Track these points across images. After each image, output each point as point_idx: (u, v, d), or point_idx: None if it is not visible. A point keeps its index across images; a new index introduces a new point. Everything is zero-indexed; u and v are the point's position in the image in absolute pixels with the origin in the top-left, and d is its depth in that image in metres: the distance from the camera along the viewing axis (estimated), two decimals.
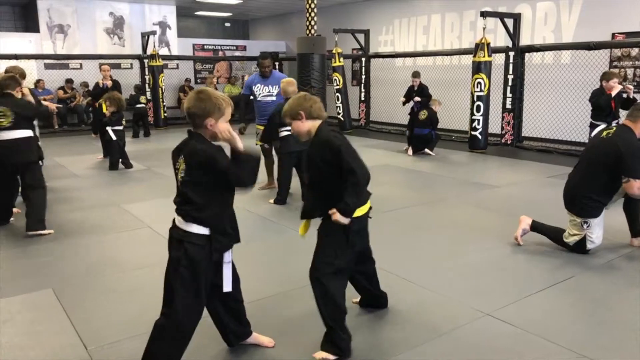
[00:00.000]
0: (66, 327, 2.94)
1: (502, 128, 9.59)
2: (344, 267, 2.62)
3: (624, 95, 6.06)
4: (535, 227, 4.20)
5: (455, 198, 5.88)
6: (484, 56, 8.72)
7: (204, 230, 2.25)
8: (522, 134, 9.61)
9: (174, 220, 2.35)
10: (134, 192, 6.25)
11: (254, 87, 6.04)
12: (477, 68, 8.79)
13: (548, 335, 2.81)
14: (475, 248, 4.22)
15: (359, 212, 2.63)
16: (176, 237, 2.29)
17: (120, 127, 7.48)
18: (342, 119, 11.82)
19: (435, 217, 5.15)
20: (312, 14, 6.46)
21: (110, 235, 4.64)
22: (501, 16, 8.93)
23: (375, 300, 3.11)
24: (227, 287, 2.41)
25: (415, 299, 3.28)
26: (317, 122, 2.63)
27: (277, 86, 5.87)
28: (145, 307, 3.15)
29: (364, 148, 9.79)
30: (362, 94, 12.61)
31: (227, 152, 2.25)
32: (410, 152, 8.75)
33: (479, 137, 9.03)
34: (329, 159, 2.52)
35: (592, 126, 6.28)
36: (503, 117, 9.54)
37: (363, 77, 12.53)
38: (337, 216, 2.49)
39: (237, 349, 2.66)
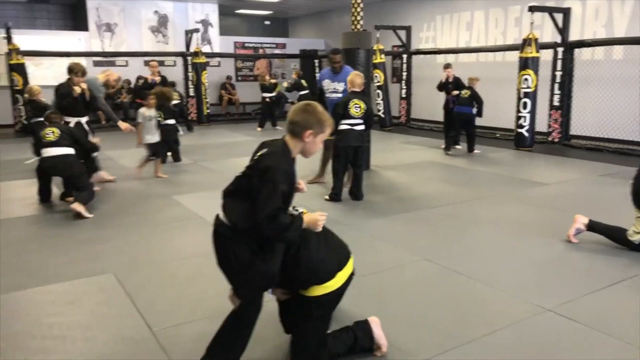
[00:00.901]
0: (130, 310, 3.03)
1: (549, 126, 9.35)
2: None
3: None
4: (592, 226, 4.08)
5: (504, 195, 5.78)
6: (531, 52, 8.52)
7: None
8: (570, 132, 9.35)
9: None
10: (184, 185, 6.38)
11: (323, 82, 6.05)
12: (524, 64, 8.61)
13: (614, 333, 2.73)
14: (530, 244, 4.14)
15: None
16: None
17: (172, 122, 7.63)
18: (382, 115, 11.76)
19: (485, 213, 5.07)
20: (358, 9, 6.44)
21: (163, 225, 4.75)
22: (550, 11, 8.72)
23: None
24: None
25: (470, 293, 3.25)
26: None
27: (344, 83, 5.83)
28: (205, 292, 3.23)
29: (405, 145, 9.74)
30: (403, 91, 12.53)
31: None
32: (444, 147, 8.59)
33: (525, 134, 8.84)
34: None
35: None
36: (550, 115, 9.30)
37: (404, 73, 12.44)
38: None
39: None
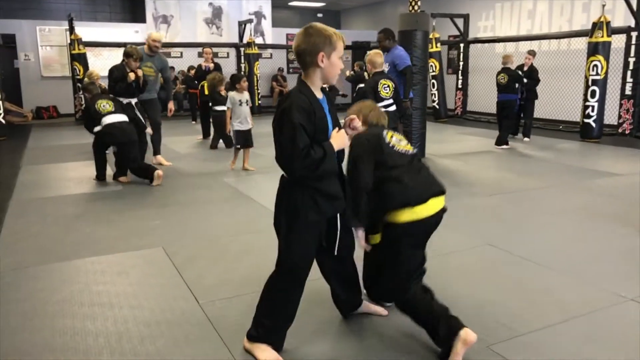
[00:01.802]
0: (178, 282, 2.95)
1: (620, 116, 8.73)
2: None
3: None
4: None
5: (572, 184, 5.38)
6: (602, 36, 7.96)
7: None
8: None
9: None
10: (236, 169, 6.33)
11: None
12: (594, 49, 8.05)
13: None
14: (604, 234, 3.78)
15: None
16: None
17: (223, 108, 7.61)
18: (437, 107, 11.39)
19: (554, 202, 4.72)
20: None
21: (215, 205, 4.69)
22: None
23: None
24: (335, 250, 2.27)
25: (540, 280, 2.97)
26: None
27: (388, 64, 5.71)
28: (255, 268, 3.10)
29: (461, 135, 9.36)
30: (460, 82, 12.08)
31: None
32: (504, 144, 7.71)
33: (593, 125, 8.28)
34: None
35: None
36: (621, 105, 8.68)
37: (461, 63, 12.00)
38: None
39: (347, 318, 2.50)
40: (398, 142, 2.35)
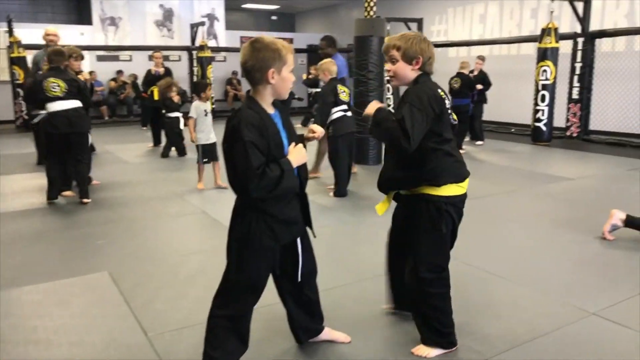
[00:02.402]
0: (125, 312, 2.72)
1: (568, 120, 8.98)
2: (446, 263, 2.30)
3: None
4: (632, 221, 3.73)
5: (528, 189, 5.43)
6: (550, 42, 8.15)
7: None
8: (589, 127, 8.96)
9: None
10: (188, 179, 6.07)
11: None
12: (543, 55, 8.23)
13: None
14: (563, 242, 3.80)
15: (446, 190, 2.21)
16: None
17: (177, 115, 7.34)
18: (392, 111, 11.42)
19: (512, 209, 4.74)
20: None
21: (165, 220, 4.45)
22: (572, 0, 8.33)
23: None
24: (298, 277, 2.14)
25: (509, 295, 2.92)
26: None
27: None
28: (208, 290, 2.87)
29: None
30: None
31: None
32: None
33: (544, 128, 8.47)
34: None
35: None
36: (569, 109, 8.93)
37: None
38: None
39: (307, 346, 2.35)
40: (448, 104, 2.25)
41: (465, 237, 3.95)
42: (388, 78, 9.81)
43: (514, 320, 2.60)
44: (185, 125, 7.68)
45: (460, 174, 2.23)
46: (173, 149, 7.55)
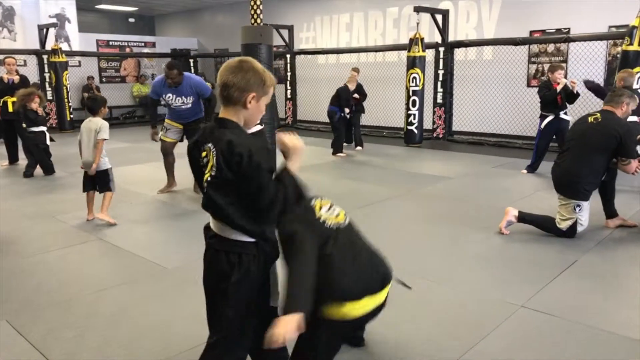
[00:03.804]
0: None
1: (434, 122, 9.77)
2: None
3: (569, 90, 6.21)
4: (523, 217, 4.17)
5: (416, 190, 5.77)
6: (418, 51, 8.80)
7: (250, 239, 1.80)
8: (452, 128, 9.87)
9: (208, 227, 1.88)
10: (66, 201, 5.42)
11: (164, 96, 5.41)
12: (412, 63, 8.86)
13: (590, 320, 2.72)
14: (466, 239, 4.11)
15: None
16: (219, 247, 1.82)
17: (42, 129, 6.51)
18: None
19: (409, 210, 5.00)
20: (258, 2, 6.01)
21: (55, 251, 3.91)
22: (432, 12, 9.08)
23: None
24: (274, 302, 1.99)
25: (441, 297, 3.06)
26: None
27: (191, 96, 5.39)
28: (139, 332, 2.60)
29: None
30: (289, 92, 12.30)
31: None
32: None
33: (415, 131, 9.11)
34: None
35: (542, 117, 6.44)
36: (434, 112, 9.72)
37: (288, 74, 12.22)
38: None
39: None
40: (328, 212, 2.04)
41: (382, 240, 4.08)
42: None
43: (456, 322, 2.73)
44: (52, 140, 6.89)
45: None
46: (38, 167, 6.69)
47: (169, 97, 5.41)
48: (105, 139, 4.46)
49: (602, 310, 2.87)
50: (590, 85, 6.15)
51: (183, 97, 5.39)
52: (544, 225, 4.11)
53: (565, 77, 8.03)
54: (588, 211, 4.00)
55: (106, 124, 4.50)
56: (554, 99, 6.19)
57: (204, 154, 1.77)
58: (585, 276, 3.35)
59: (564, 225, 3.99)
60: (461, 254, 3.79)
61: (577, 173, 3.92)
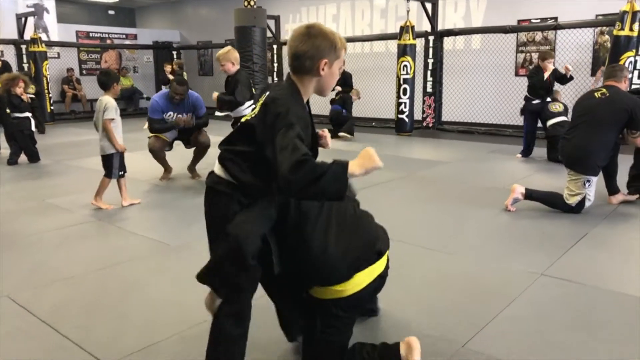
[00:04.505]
0: (58, 340, 2.20)
1: (424, 112, 9.76)
2: None
3: (561, 73, 6.33)
4: (530, 194, 4.15)
5: (415, 173, 5.73)
6: (409, 39, 8.77)
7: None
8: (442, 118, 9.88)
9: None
10: (56, 186, 5.22)
11: (166, 114, 5.22)
12: (403, 51, 8.82)
13: (611, 285, 2.71)
14: (476, 216, 4.06)
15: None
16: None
17: (26, 115, 6.28)
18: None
19: (412, 191, 4.94)
20: None
21: (52, 232, 3.74)
22: (423, 0, 9.06)
23: None
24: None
25: (460, 268, 3.01)
26: None
27: (190, 113, 5.27)
28: (152, 308, 2.48)
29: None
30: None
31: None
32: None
33: (406, 120, 9.07)
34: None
35: (527, 100, 6.50)
36: (424, 101, 9.71)
37: (275, 65, 12.08)
38: None
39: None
40: None
41: (393, 218, 4.03)
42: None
43: (481, 293, 2.68)
44: (42, 132, 6.64)
45: None
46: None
47: (170, 114, 5.23)
48: (112, 119, 4.11)
49: (621, 276, 2.86)
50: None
51: (183, 115, 5.25)
52: (552, 201, 4.10)
53: (553, 65, 8.16)
54: (594, 186, 4.00)
55: (112, 102, 4.14)
56: (541, 84, 6.26)
57: (260, 101, 1.74)
58: (599, 246, 3.34)
59: (572, 200, 3.98)
60: (471, 230, 3.74)
61: (588, 148, 3.91)
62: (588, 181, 3.91)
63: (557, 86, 6.61)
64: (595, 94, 4.05)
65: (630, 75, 4.29)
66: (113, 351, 2.11)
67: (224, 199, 1.75)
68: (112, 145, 4.21)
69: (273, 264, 1.84)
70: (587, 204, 3.98)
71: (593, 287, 2.71)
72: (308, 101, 1.82)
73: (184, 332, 2.25)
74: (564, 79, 6.29)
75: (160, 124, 5.21)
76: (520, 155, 6.62)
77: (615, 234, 3.60)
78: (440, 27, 9.79)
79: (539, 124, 6.50)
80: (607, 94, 3.95)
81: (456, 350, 2.11)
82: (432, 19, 9.33)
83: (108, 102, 4.14)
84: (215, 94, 4.92)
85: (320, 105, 10.59)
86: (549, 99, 6.43)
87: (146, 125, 5.57)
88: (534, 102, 6.41)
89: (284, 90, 1.73)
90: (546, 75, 6.26)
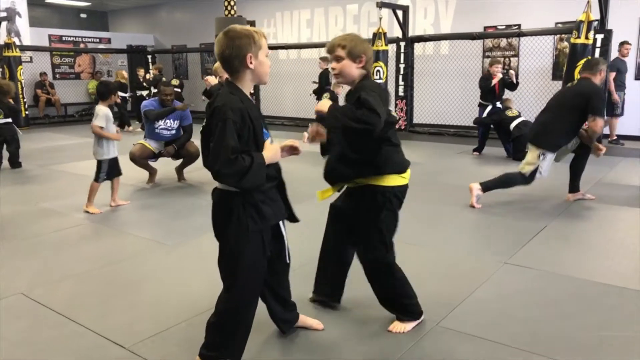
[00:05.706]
0: (78, 330, 2.44)
1: (396, 115, 10.16)
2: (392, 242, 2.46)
3: (509, 80, 6.97)
4: (487, 186, 4.56)
5: None
6: (381, 45, 9.15)
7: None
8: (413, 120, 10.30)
9: None
10: (45, 190, 5.38)
11: (155, 123, 5.45)
12: (376, 56, 9.19)
13: (567, 271, 3.09)
14: (445, 213, 4.43)
15: (391, 181, 2.41)
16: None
17: (9, 120, 6.38)
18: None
19: None
20: None
21: (52, 234, 3.94)
22: (394, 7, 9.45)
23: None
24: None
25: (431, 258, 3.36)
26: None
27: (177, 120, 5.50)
28: (162, 295, 2.73)
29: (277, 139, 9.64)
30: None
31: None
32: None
33: None
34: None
35: (481, 106, 7.08)
36: (396, 104, 10.11)
37: None
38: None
39: (288, 338, 2.39)
40: None
41: None
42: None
43: (454, 276, 3.03)
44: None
45: (402, 165, 2.43)
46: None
47: (160, 124, 5.45)
48: (101, 127, 4.31)
49: (575, 263, 3.25)
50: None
51: (171, 120, 5.46)
52: (507, 181, 4.55)
53: (517, 69, 8.74)
54: (549, 164, 4.45)
55: (104, 110, 4.34)
56: (489, 90, 6.80)
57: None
58: (556, 238, 3.74)
59: (527, 169, 4.45)
60: (440, 225, 4.10)
61: (549, 127, 4.40)
62: (543, 154, 4.38)
63: (508, 94, 7.21)
64: (569, 84, 4.62)
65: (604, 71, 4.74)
66: (130, 336, 2.36)
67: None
68: (103, 151, 4.43)
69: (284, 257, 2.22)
70: (538, 175, 4.44)
71: (549, 272, 3.08)
72: (253, 94, 2.10)
73: (191, 319, 2.50)
74: (512, 85, 6.87)
75: (158, 111, 5.40)
76: (477, 153, 7.34)
77: (570, 227, 4.01)
78: (410, 33, 10.22)
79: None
80: (575, 84, 4.54)
81: (432, 327, 2.44)
82: (403, 25, 9.74)
83: (99, 110, 4.38)
84: None
85: (311, 108, 10.89)
86: (499, 104, 6.98)
87: (139, 127, 5.75)
88: (488, 108, 7.00)
89: (223, 90, 1.96)
90: (494, 81, 6.81)
